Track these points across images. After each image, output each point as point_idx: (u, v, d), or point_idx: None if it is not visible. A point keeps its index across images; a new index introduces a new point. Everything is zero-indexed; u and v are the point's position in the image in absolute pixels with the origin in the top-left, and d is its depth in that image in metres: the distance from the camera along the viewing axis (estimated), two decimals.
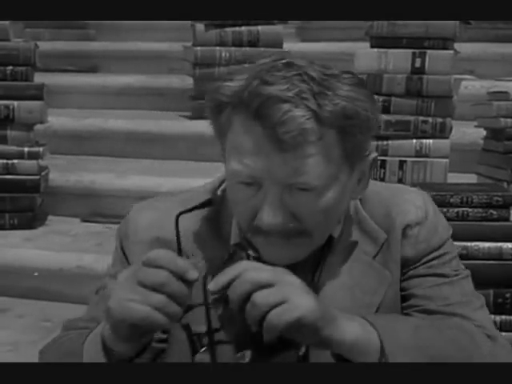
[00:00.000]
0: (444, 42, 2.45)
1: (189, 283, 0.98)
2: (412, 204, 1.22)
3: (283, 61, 1.07)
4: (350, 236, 1.20)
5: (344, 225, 1.20)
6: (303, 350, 1.13)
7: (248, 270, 0.98)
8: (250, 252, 1.05)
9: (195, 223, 1.19)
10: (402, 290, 1.20)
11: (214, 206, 1.18)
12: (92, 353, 1.07)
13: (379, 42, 2.47)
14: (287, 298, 0.97)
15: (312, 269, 1.18)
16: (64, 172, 2.99)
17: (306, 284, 1.03)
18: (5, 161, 2.77)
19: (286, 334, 0.98)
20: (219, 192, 1.22)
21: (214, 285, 0.99)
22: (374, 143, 2.32)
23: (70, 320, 1.27)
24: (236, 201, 1.11)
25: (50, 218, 2.92)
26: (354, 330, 1.04)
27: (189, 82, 3.39)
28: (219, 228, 1.19)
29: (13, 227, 2.77)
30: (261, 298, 0.96)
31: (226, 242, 1.18)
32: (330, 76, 1.06)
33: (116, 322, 1.00)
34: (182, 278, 0.98)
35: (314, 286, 1.15)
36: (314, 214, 1.08)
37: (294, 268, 1.07)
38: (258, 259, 1.04)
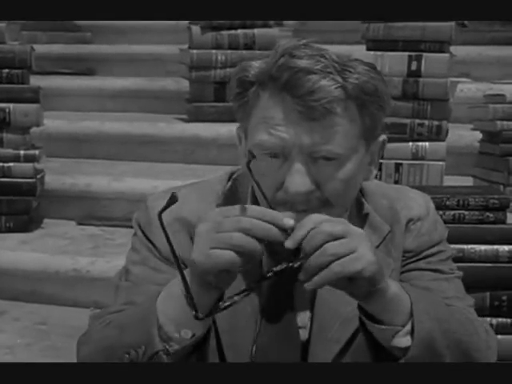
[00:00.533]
0: (440, 45, 2.45)
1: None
2: (414, 201, 1.30)
3: (303, 42, 1.14)
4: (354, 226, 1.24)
5: (351, 221, 1.22)
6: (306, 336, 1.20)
7: (323, 223, 1.03)
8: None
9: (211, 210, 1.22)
10: (400, 281, 1.24)
11: (230, 193, 1.25)
12: (173, 311, 1.09)
13: (375, 44, 2.47)
14: (355, 249, 1.03)
15: None
16: (60, 175, 2.99)
17: None
18: (0, 164, 2.77)
19: (341, 284, 1.05)
20: (235, 176, 1.28)
21: (291, 242, 1.03)
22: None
23: (97, 311, 1.28)
24: (261, 174, 1.15)
25: (45, 220, 2.91)
26: (394, 288, 1.10)
27: (185, 84, 3.39)
28: None
29: (9, 230, 2.76)
30: (333, 247, 1.02)
31: None
32: (345, 59, 1.14)
33: (203, 272, 1.03)
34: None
35: None
36: (336, 183, 1.14)
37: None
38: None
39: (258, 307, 1.22)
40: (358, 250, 1.03)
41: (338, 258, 1.02)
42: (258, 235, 1.01)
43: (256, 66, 1.15)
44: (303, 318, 1.23)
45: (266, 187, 1.15)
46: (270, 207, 1.14)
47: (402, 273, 1.26)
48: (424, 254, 1.27)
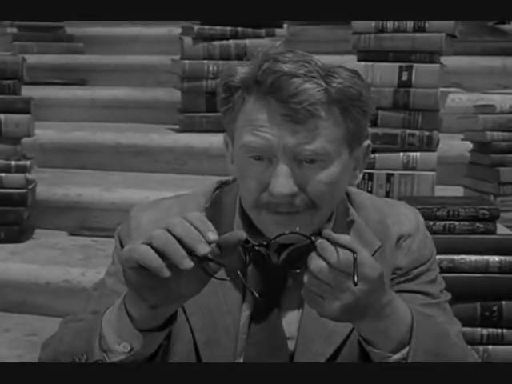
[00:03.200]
0: (430, 56, 2.46)
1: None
2: (405, 216, 1.30)
3: (286, 49, 1.16)
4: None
5: (336, 226, 1.24)
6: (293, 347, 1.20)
7: (323, 269, 1.03)
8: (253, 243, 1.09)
9: None
10: None
11: (215, 205, 1.25)
12: (115, 322, 1.09)
13: (366, 55, 2.48)
14: (331, 299, 1.04)
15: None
16: (51, 185, 2.98)
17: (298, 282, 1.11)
18: None
19: None
20: (222, 185, 1.29)
21: (327, 233, 1.04)
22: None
23: (68, 316, 1.29)
24: (246, 176, 1.17)
25: (37, 231, 2.90)
26: (382, 325, 1.09)
27: (176, 95, 3.39)
28: (219, 227, 1.22)
29: None
30: (313, 285, 1.04)
31: None
32: (329, 66, 1.16)
33: (122, 265, 1.03)
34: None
35: None
36: (320, 186, 1.15)
37: (289, 265, 1.15)
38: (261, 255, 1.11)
39: (238, 319, 1.22)
40: (332, 304, 1.04)
41: (312, 291, 1.04)
42: (176, 232, 1.00)
43: (242, 71, 1.17)
44: (291, 328, 1.23)
45: (251, 189, 1.17)
46: (255, 209, 1.16)
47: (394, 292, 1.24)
48: (415, 272, 1.27)
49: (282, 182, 1.13)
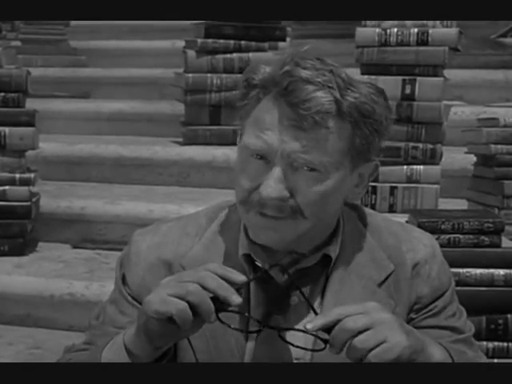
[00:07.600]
0: (434, 69, 2.47)
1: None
2: (420, 242, 1.28)
3: (316, 56, 1.15)
4: (353, 260, 1.23)
5: (344, 248, 1.23)
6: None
7: (345, 318, 1.04)
8: (257, 262, 1.12)
9: (200, 247, 1.24)
10: None
11: (221, 225, 1.25)
12: (114, 359, 1.12)
13: (369, 68, 2.49)
14: (385, 338, 1.04)
15: (317, 290, 1.22)
16: (55, 198, 2.98)
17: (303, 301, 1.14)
18: None
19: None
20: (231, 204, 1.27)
21: (311, 326, 1.05)
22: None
23: (70, 345, 1.30)
24: (242, 173, 1.16)
25: (40, 244, 2.90)
26: (438, 355, 1.14)
27: (180, 108, 3.39)
28: (226, 247, 1.23)
29: (3, 254, 2.75)
30: (361, 343, 1.04)
31: (232, 258, 1.22)
32: (355, 80, 1.15)
33: (154, 313, 1.04)
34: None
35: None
36: (311, 195, 1.14)
37: (293, 284, 1.15)
38: (265, 272, 1.13)
39: (243, 341, 1.21)
40: (388, 338, 1.04)
41: (371, 350, 1.04)
42: (210, 286, 1.03)
43: (265, 70, 1.16)
44: (298, 349, 1.19)
45: (244, 186, 1.16)
46: (244, 206, 1.16)
47: (423, 327, 1.24)
48: (439, 305, 1.26)
49: (272, 185, 1.12)
